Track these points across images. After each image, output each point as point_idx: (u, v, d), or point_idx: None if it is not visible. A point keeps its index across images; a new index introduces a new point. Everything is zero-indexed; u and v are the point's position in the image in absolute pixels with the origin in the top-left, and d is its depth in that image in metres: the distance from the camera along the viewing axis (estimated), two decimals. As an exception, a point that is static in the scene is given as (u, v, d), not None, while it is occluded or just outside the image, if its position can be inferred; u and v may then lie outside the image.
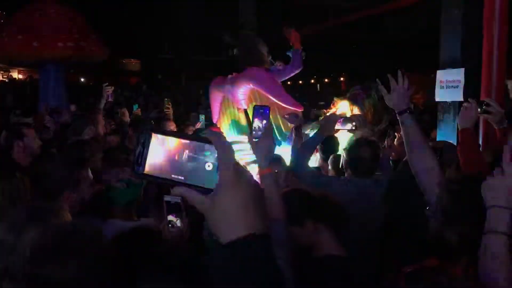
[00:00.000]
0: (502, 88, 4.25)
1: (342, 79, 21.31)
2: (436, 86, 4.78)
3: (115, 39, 14.69)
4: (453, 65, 4.66)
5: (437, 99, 4.89)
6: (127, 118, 6.79)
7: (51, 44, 9.95)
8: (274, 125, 4.34)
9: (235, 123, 4.57)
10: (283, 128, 4.41)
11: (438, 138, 5.03)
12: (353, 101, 4.94)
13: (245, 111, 4.51)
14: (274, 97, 4.29)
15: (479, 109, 3.00)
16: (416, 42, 12.22)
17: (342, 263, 2.34)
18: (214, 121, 4.80)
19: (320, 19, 13.14)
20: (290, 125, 4.28)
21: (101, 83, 5.92)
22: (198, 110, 10.95)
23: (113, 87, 5.19)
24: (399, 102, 2.48)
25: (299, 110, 4.34)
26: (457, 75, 4.53)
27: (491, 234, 1.62)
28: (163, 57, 19.03)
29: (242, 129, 4.53)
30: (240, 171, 0.82)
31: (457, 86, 4.53)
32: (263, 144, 2.28)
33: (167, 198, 2.33)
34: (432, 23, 5.26)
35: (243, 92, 4.36)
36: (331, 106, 5.26)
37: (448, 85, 4.62)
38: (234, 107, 4.57)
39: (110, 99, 5.23)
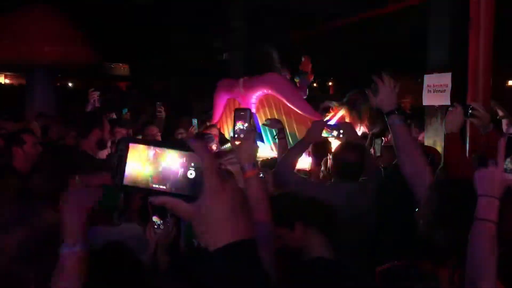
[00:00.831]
0: (489, 92, 4.30)
1: (330, 83, 21.39)
2: (424, 91, 4.83)
3: (104, 44, 14.62)
4: (440, 69, 4.71)
5: (424, 103, 4.93)
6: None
7: (38, 49, 9.87)
8: (288, 133, 4.36)
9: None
10: (297, 136, 4.42)
11: (426, 142, 5.07)
12: (352, 106, 4.99)
13: (253, 115, 4.56)
14: (292, 104, 4.31)
15: (464, 114, 3.03)
16: (404, 46, 12.30)
17: (331, 266, 2.36)
18: (215, 121, 4.82)
19: (308, 24, 13.20)
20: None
21: (89, 88, 5.87)
22: (191, 114, 10.91)
23: (99, 92, 5.13)
24: (386, 102, 2.48)
25: (317, 119, 4.33)
26: (444, 79, 4.58)
27: (480, 221, 1.70)
28: (152, 62, 18.95)
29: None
30: (224, 177, 0.81)
31: (444, 91, 4.58)
32: (245, 146, 2.28)
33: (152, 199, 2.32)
34: (419, 28, 5.31)
35: (257, 96, 4.39)
36: (330, 111, 5.31)
37: (436, 89, 4.66)
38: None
39: (96, 105, 5.17)
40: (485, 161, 3.09)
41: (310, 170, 4.30)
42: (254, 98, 4.42)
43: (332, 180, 3.36)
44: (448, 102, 4.58)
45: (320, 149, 4.05)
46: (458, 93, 4.58)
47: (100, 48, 11.67)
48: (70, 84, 21.27)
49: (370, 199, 3.24)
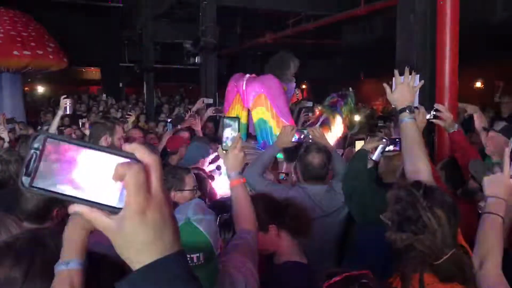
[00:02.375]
0: (456, 93, 4.39)
1: (304, 86, 21.55)
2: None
3: (74, 48, 14.42)
4: (408, 70, 4.78)
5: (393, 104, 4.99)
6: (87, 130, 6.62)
7: (6, 53, 9.68)
8: (270, 130, 4.51)
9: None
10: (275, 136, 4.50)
11: (396, 142, 5.14)
12: (333, 108, 5.06)
13: (248, 112, 4.61)
14: (276, 107, 4.39)
15: (428, 115, 3.08)
16: (374, 49, 12.48)
17: (303, 270, 2.37)
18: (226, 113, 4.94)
19: (280, 27, 13.29)
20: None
21: (59, 92, 5.78)
22: (157, 118, 10.84)
23: (71, 100, 5.02)
24: (401, 100, 2.44)
25: (291, 124, 4.38)
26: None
27: (489, 214, 1.91)
28: (124, 65, 18.80)
29: (241, 127, 4.65)
30: (152, 195, 0.72)
31: (412, 92, 4.64)
32: (232, 155, 2.29)
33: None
34: (388, 30, 5.40)
35: (254, 94, 4.50)
36: (314, 114, 5.38)
37: (404, 91, 4.73)
38: (240, 104, 4.69)
39: (68, 112, 5.07)
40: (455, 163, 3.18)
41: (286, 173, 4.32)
42: (252, 95, 4.53)
43: (299, 183, 3.37)
44: (416, 103, 4.65)
45: (290, 154, 4.07)
46: (426, 94, 4.67)
47: (70, 53, 11.51)
48: (40, 89, 20.88)
49: (337, 200, 3.25)
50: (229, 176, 2.32)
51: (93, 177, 0.71)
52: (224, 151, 2.39)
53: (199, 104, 7.12)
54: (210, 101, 8.24)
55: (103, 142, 3.95)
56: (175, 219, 0.75)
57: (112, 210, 0.72)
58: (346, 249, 3.30)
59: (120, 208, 0.71)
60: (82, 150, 0.71)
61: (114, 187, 0.71)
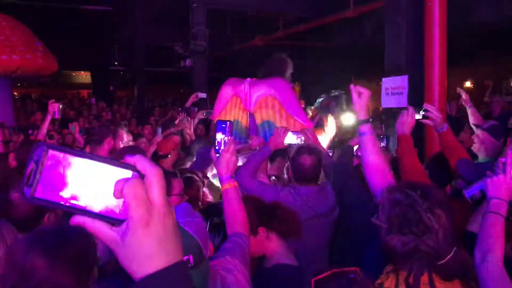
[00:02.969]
0: (444, 94, 4.43)
1: (297, 88, 21.64)
2: (382, 93, 4.92)
3: (64, 51, 14.35)
4: (397, 72, 4.82)
5: (383, 105, 5.03)
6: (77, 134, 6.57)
7: (-5, 57, 9.60)
8: None
9: (236, 123, 4.70)
10: None
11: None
12: (325, 109, 5.09)
13: (249, 114, 4.61)
14: (289, 109, 4.41)
15: (417, 115, 3.11)
16: (364, 50, 12.53)
17: (294, 272, 2.36)
18: (214, 116, 4.89)
19: (271, 29, 13.29)
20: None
21: (49, 97, 5.75)
22: (150, 122, 10.78)
23: (59, 104, 5.00)
24: (359, 112, 2.56)
25: (310, 127, 4.46)
26: (401, 82, 4.68)
27: (492, 213, 1.97)
28: (114, 69, 18.73)
29: (241, 130, 4.69)
30: (155, 207, 0.72)
31: (401, 93, 4.68)
32: (224, 159, 2.29)
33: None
34: (378, 32, 5.43)
35: (259, 96, 4.48)
36: (310, 114, 5.40)
37: (393, 92, 4.76)
38: (240, 107, 4.66)
39: (57, 116, 5.04)
40: (443, 160, 3.21)
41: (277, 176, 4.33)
42: (254, 98, 4.51)
43: (291, 184, 3.39)
44: (405, 104, 4.69)
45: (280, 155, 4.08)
46: (415, 95, 4.70)
47: (60, 56, 11.44)
48: (30, 94, 20.75)
49: (329, 201, 3.27)
50: (221, 180, 2.32)
51: (94, 188, 0.71)
52: (216, 155, 2.39)
53: (193, 99, 7.14)
54: (204, 95, 8.23)
55: (106, 144, 4.04)
56: (177, 230, 0.76)
57: (114, 222, 0.72)
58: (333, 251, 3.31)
59: (123, 220, 0.71)
60: (83, 161, 0.71)
61: (115, 199, 0.71)
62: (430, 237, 1.73)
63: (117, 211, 0.72)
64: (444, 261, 1.75)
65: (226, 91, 4.81)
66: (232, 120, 4.70)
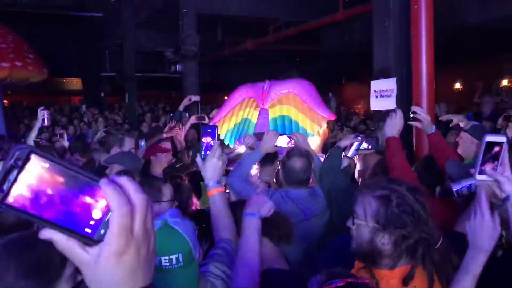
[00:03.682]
0: (433, 96, 4.46)
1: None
2: (371, 96, 4.95)
3: (55, 58, 14.30)
4: (385, 75, 4.85)
5: (372, 108, 5.06)
6: (65, 142, 6.52)
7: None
8: (294, 124, 4.64)
9: (245, 122, 4.81)
10: (307, 130, 4.63)
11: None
12: None
13: (260, 111, 4.64)
14: (312, 104, 4.61)
15: (406, 117, 3.14)
16: (354, 53, 12.60)
17: (285, 277, 2.36)
18: (216, 119, 4.90)
19: (261, 33, 13.34)
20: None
21: (41, 103, 5.73)
22: (140, 128, 10.74)
23: (48, 111, 4.97)
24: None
25: (333, 118, 4.73)
26: (390, 84, 4.71)
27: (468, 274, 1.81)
28: (105, 75, 18.70)
29: (249, 128, 4.76)
30: (134, 237, 0.70)
31: (390, 95, 4.71)
32: (209, 164, 2.29)
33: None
34: (367, 34, 5.46)
35: (279, 93, 4.58)
36: None
37: (382, 95, 4.79)
38: (253, 106, 4.77)
39: (46, 124, 5.01)
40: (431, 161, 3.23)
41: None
42: (273, 95, 4.61)
43: (282, 187, 3.40)
44: (394, 107, 4.71)
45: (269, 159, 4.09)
46: (403, 98, 4.73)
47: (50, 63, 11.41)
48: (20, 101, 20.65)
49: (319, 204, 3.29)
50: (207, 185, 2.30)
51: (72, 203, 0.66)
52: (202, 160, 2.37)
53: (186, 102, 7.15)
54: (197, 98, 8.24)
55: (113, 152, 4.08)
56: (153, 255, 0.75)
57: (87, 242, 0.68)
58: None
59: (97, 241, 0.67)
60: (65, 172, 0.65)
61: (94, 216, 0.67)
62: (424, 225, 1.78)
63: (92, 230, 0.67)
64: (437, 247, 1.79)
65: (240, 95, 4.91)
66: (239, 120, 4.80)
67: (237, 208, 2.42)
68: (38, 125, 4.90)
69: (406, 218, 1.77)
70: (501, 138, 1.84)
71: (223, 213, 2.26)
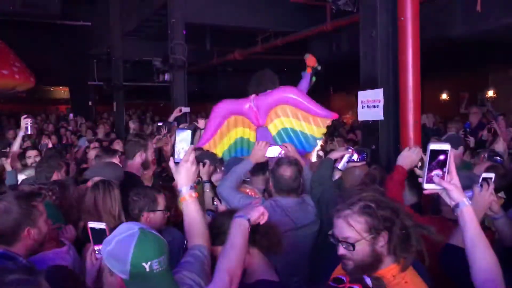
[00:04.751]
0: (419, 108, 4.49)
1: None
2: (358, 106, 4.98)
3: (42, 67, 14.20)
4: (372, 85, 4.88)
5: (359, 118, 5.09)
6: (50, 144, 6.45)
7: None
8: (309, 135, 4.53)
9: (241, 141, 4.70)
10: (315, 135, 4.57)
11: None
12: None
13: (258, 130, 4.57)
14: (306, 109, 4.48)
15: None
16: (342, 63, 12.68)
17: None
18: (204, 140, 4.79)
19: (249, 43, 13.38)
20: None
21: (27, 112, 5.67)
22: (128, 137, 10.65)
23: (32, 119, 4.92)
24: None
25: (335, 117, 4.61)
26: (377, 95, 4.74)
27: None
28: (93, 84, 18.61)
29: (248, 146, 4.68)
30: None
31: (377, 106, 4.74)
32: (183, 168, 2.27)
33: (91, 224, 2.26)
34: (354, 45, 5.50)
35: (268, 108, 4.48)
36: None
37: (369, 105, 4.82)
38: (245, 125, 4.67)
39: (29, 132, 4.96)
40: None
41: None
42: (264, 111, 4.52)
43: (272, 195, 3.41)
44: (381, 117, 4.75)
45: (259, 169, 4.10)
46: (390, 109, 4.76)
47: (38, 72, 11.34)
48: (7, 110, 20.48)
49: (309, 213, 3.30)
50: (179, 191, 2.27)
51: None
52: (175, 164, 2.35)
53: (176, 113, 7.12)
54: (188, 109, 8.23)
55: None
56: None
57: None
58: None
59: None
60: None
61: None
62: (404, 214, 1.89)
63: None
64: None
65: (221, 112, 4.76)
66: (233, 140, 4.70)
67: (224, 217, 2.42)
68: (21, 133, 4.86)
69: (389, 214, 1.86)
70: (446, 146, 1.85)
71: (197, 219, 2.24)
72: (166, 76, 11.11)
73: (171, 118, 6.92)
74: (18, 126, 11.21)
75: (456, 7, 9.19)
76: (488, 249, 1.78)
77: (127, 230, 1.81)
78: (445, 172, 1.85)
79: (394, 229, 1.85)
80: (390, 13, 4.78)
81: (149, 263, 1.75)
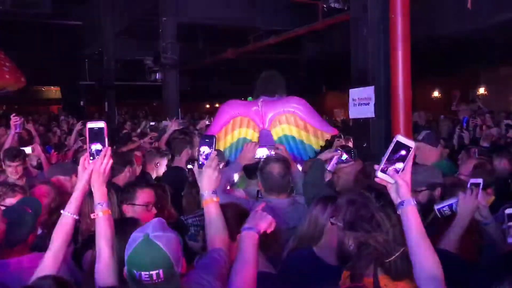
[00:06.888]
0: (409, 104, 4.52)
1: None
2: (350, 104, 4.99)
3: (33, 67, 14.12)
4: (364, 83, 4.90)
5: (350, 116, 5.10)
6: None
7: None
8: (300, 143, 4.52)
9: (243, 141, 4.65)
10: (313, 147, 4.56)
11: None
12: None
13: (261, 132, 4.58)
14: (313, 122, 4.49)
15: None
16: (334, 62, 12.72)
17: (273, 281, 2.36)
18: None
19: (241, 42, 13.38)
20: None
21: (18, 112, 5.63)
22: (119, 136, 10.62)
23: (21, 118, 4.90)
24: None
25: (335, 133, 4.68)
26: (368, 92, 4.76)
27: None
28: (84, 83, 18.53)
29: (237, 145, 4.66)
30: None
31: (368, 103, 4.75)
32: (206, 173, 2.30)
33: (90, 125, 2.15)
34: (346, 43, 5.51)
35: (275, 114, 4.49)
36: None
37: (360, 103, 4.83)
38: (249, 126, 4.65)
39: (18, 130, 4.93)
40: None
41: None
42: (270, 116, 4.54)
43: (263, 196, 3.38)
44: (372, 115, 4.76)
45: (249, 171, 4.09)
46: (382, 106, 4.78)
47: (28, 72, 11.28)
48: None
49: (301, 214, 3.27)
50: (202, 195, 2.31)
51: None
52: (199, 169, 2.38)
53: (175, 126, 6.91)
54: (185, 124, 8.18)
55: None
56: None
57: None
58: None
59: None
60: None
61: None
62: (381, 234, 1.83)
63: None
64: (392, 258, 1.81)
65: (228, 111, 4.78)
66: (235, 139, 4.72)
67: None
68: (12, 132, 4.85)
69: (362, 223, 1.85)
70: (411, 143, 1.84)
71: (217, 223, 2.27)
72: (158, 75, 11.08)
73: (170, 131, 6.75)
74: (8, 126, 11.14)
75: (448, 5, 9.23)
76: (430, 249, 1.76)
77: (140, 231, 1.80)
78: (402, 166, 1.85)
79: (360, 242, 1.85)
80: (381, 10, 4.79)
81: (139, 273, 1.73)
